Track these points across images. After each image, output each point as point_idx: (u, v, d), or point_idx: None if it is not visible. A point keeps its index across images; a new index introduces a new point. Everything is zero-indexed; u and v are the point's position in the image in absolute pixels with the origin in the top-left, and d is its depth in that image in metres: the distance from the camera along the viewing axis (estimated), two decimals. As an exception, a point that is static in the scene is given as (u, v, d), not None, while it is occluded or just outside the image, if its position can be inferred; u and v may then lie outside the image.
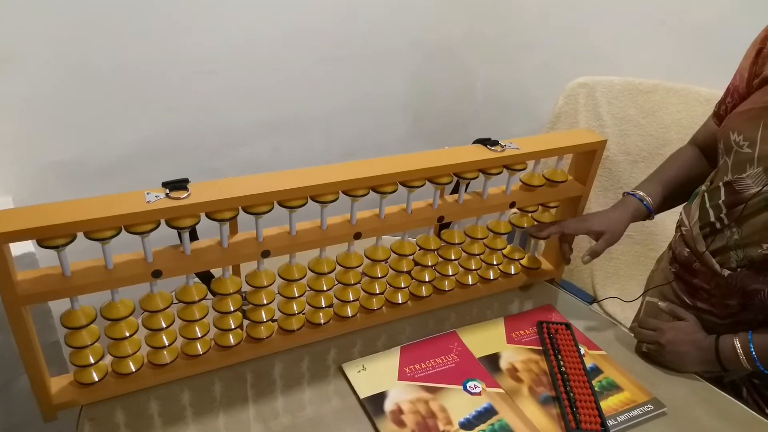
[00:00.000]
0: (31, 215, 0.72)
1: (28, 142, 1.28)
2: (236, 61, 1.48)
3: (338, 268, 1.00)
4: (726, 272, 0.95)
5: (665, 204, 1.11)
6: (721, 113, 1.04)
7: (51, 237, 0.72)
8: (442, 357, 1.00)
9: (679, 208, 1.12)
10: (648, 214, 1.08)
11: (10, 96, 1.21)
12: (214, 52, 1.43)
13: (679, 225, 1.09)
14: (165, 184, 0.80)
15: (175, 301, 0.89)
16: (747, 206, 0.90)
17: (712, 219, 0.97)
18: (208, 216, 0.82)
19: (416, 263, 1.08)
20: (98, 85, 1.31)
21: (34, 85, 1.24)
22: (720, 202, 0.95)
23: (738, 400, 0.98)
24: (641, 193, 1.08)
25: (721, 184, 0.96)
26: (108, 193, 0.78)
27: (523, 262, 1.21)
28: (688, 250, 1.04)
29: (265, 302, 0.94)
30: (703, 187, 1.03)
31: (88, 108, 1.32)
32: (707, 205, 0.98)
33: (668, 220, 1.49)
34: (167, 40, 1.35)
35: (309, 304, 1.01)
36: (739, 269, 0.94)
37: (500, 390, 0.95)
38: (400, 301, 1.08)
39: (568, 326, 1.08)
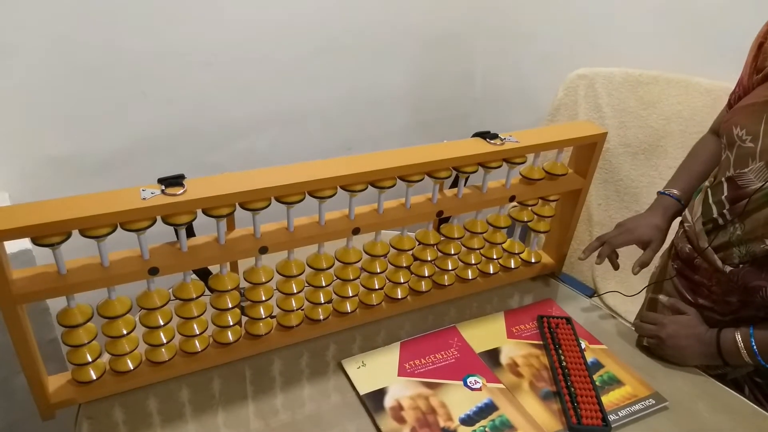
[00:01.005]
0: (25, 213, 0.71)
1: (24, 138, 1.27)
2: (233, 53, 1.46)
3: (337, 263, 0.99)
4: (728, 268, 0.94)
5: None
6: (732, 102, 1.04)
7: (45, 235, 0.72)
8: (442, 352, 1.00)
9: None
10: (682, 209, 1.10)
11: (5, 90, 1.20)
12: (211, 44, 1.42)
13: (682, 221, 1.08)
14: (161, 181, 0.79)
15: (173, 298, 0.88)
16: (750, 201, 0.89)
17: (715, 215, 0.96)
18: (204, 212, 0.81)
19: (415, 258, 1.07)
20: (94, 79, 1.30)
21: (30, 79, 1.22)
22: (723, 197, 0.95)
23: (740, 397, 0.98)
24: (676, 192, 1.10)
25: (723, 179, 0.95)
26: (106, 187, 0.78)
27: (523, 256, 1.21)
28: (689, 246, 1.03)
29: (264, 299, 0.94)
30: (706, 183, 1.02)
31: (84, 102, 1.31)
32: (710, 200, 0.98)
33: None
34: (163, 31, 1.34)
35: (308, 300, 1.00)
36: (741, 265, 0.93)
37: (501, 385, 0.94)
38: (399, 297, 1.08)
39: (568, 320, 1.08)
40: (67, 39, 1.23)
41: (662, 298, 1.07)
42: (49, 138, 1.30)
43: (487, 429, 0.86)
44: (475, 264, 1.14)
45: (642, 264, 1.06)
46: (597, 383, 0.95)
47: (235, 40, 1.45)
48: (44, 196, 0.75)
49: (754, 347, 0.92)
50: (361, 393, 0.91)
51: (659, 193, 1.13)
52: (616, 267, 1.13)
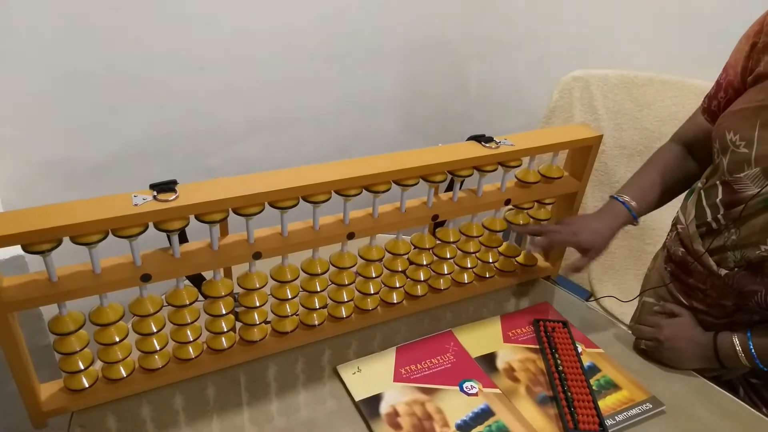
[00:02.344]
0: (15, 220, 0.70)
1: (16, 143, 1.26)
2: (227, 58, 1.46)
3: (332, 268, 0.99)
4: (723, 272, 0.94)
5: (650, 208, 1.08)
6: (713, 109, 1.01)
7: (36, 242, 0.71)
8: (438, 357, 0.99)
9: (676, 204, 1.11)
10: (633, 220, 1.06)
11: (-4, 96, 1.20)
12: (204, 49, 1.42)
13: (675, 222, 1.07)
14: (152, 186, 0.78)
15: (166, 304, 0.87)
16: (746, 207, 0.89)
17: (709, 218, 0.96)
18: (197, 218, 0.80)
19: (411, 262, 1.07)
20: (87, 84, 1.29)
21: (22, 84, 1.22)
22: (717, 201, 0.94)
23: (735, 398, 0.98)
24: (628, 199, 1.05)
25: (718, 182, 0.94)
26: (98, 192, 0.77)
27: (519, 259, 1.20)
28: (683, 249, 1.02)
29: (258, 304, 0.93)
30: (699, 184, 1.01)
31: (77, 107, 1.30)
32: (704, 203, 0.97)
33: (665, 215, 1.48)
34: (156, 37, 1.33)
35: (302, 306, 1.00)
36: (736, 269, 0.92)
37: (497, 390, 0.93)
38: (395, 301, 1.07)
39: (565, 324, 1.07)
40: (59, 44, 1.22)
41: (655, 308, 1.07)
42: (41, 143, 1.29)
43: (483, 435, 0.86)
44: (470, 268, 1.13)
45: (575, 269, 1.03)
46: (594, 388, 0.95)
47: (228, 45, 1.44)
48: (36, 201, 0.74)
49: (753, 351, 0.92)
50: (357, 399, 0.90)
51: (612, 197, 1.08)
52: (546, 258, 1.10)
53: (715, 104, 1.01)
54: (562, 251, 1.20)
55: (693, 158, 1.08)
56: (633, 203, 1.05)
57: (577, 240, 1.03)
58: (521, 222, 1.13)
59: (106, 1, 1.23)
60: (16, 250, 1.07)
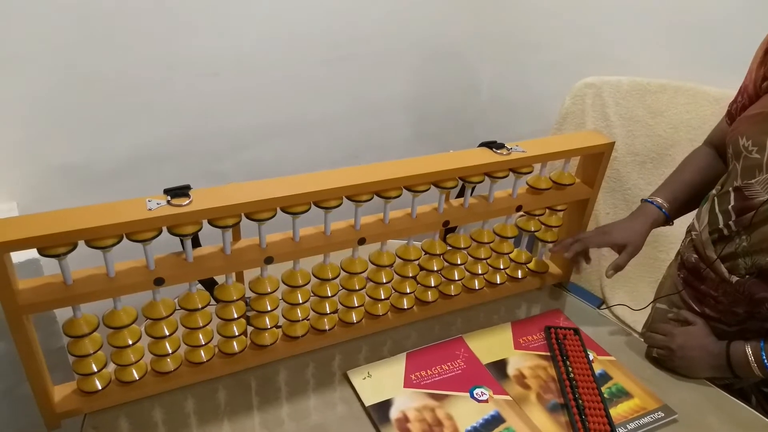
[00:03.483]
0: (31, 224, 0.71)
1: (32, 147, 1.28)
2: (239, 64, 1.47)
3: (343, 273, 0.99)
4: (734, 279, 0.93)
5: (684, 209, 1.10)
6: (733, 112, 1.02)
7: (51, 246, 0.72)
8: (449, 363, 0.99)
9: (692, 212, 1.10)
10: (666, 220, 1.07)
11: (13, 100, 1.21)
12: (217, 55, 1.43)
13: (690, 229, 1.07)
14: (166, 191, 0.79)
15: (178, 308, 0.88)
16: (757, 213, 0.88)
17: (721, 225, 0.95)
18: (210, 223, 0.81)
19: (422, 268, 1.07)
20: (102, 89, 1.31)
21: (37, 89, 1.23)
22: (729, 207, 0.94)
23: (747, 407, 0.97)
24: (659, 200, 1.07)
25: (730, 189, 0.94)
26: (113, 196, 0.78)
27: (531, 265, 1.20)
28: (696, 256, 1.02)
29: (269, 309, 0.93)
30: (714, 191, 1.01)
31: (92, 112, 1.32)
32: (717, 210, 0.97)
33: (679, 223, 1.48)
34: (170, 42, 1.35)
35: (313, 311, 1.00)
36: (747, 276, 0.92)
37: (508, 397, 0.93)
38: (405, 307, 1.07)
39: (576, 331, 1.07)
40: (75, 49, 1.24)
41: (670, 315, 1.06)
42: (56, 147, 1.31)
43: (493, 441, 0.85)
44: (481, 274, 1.13)
45: (616, 267, 1.04)
46: (605, 395, 0.94)
47: (241, 51, 1.45)
48: (52, 205, 0.75)
49: (765, 360, 0.91)
50: (367, 404, 0.90)
51: (643, 200, 1.10)
52: (579, 271, 1.12)
53: (735, 108, 1.02)
54: (582, 263, 1.18)
55: (723, 161, 1.08)
56: (665, 204, 1.07)
57: (612, 239, 1.06)
58: (532, 228, 1.13)
59: (120, 7, 1.25)
60: (32, 253, 1.09)
